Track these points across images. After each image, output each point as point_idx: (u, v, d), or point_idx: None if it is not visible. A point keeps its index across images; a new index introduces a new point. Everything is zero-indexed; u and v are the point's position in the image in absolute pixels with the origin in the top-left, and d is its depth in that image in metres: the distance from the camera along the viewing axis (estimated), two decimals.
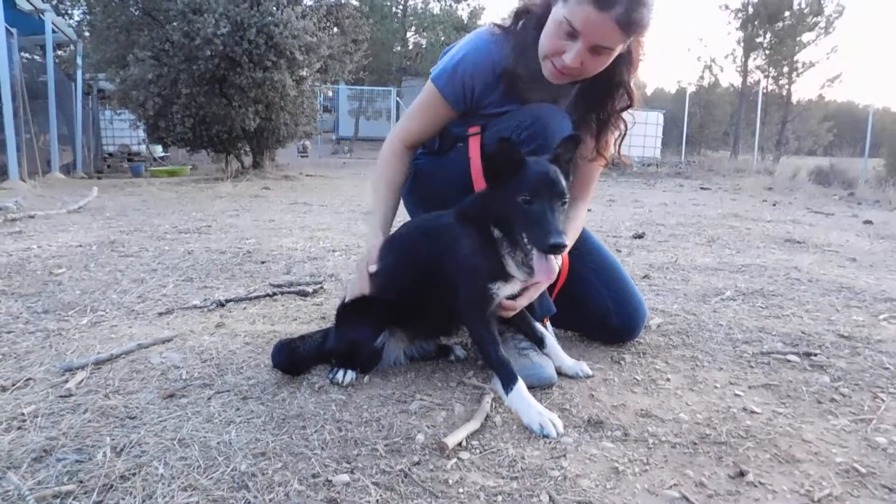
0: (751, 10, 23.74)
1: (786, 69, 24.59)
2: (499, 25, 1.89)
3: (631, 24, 1.61)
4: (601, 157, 1.99)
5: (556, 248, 1.49)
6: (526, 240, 1.56)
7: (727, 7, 23.96)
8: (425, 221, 1.91)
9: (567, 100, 1.95)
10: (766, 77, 24.92)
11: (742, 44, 24.51)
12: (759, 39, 24.26)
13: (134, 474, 1.28)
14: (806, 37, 23.70)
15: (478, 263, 1.67)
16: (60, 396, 1.64)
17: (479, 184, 1.81)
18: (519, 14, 1.87)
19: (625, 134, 2.00)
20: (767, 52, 24.42)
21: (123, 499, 1.20)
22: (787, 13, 23.40)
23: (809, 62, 24.13)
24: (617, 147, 2.01)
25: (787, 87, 25.00)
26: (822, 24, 23.32)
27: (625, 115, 1.94)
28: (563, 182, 1.58)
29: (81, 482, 1.25)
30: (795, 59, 24.20)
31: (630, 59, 1.83)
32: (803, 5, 23.18)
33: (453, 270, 1.71)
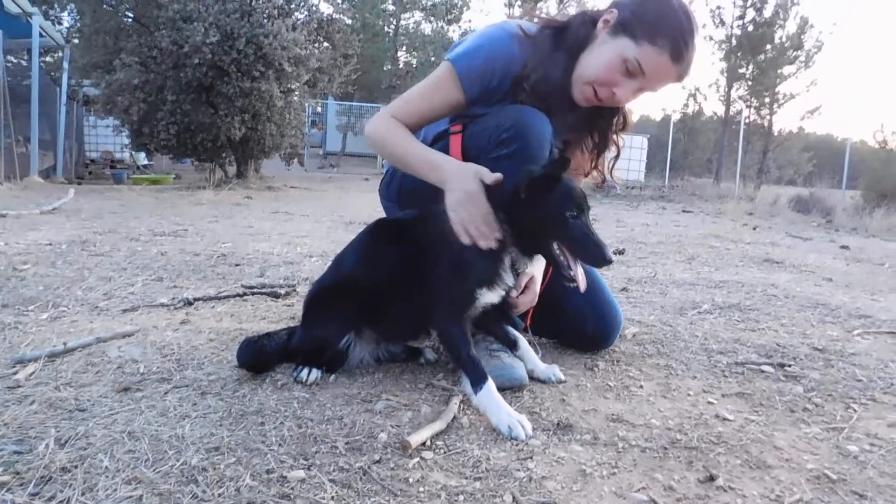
0: (734, 42, 24.21)
1: (767, 100, 25.07)
2: (522, 28, 1.82)
3: (684, 75, 1.74)
4: (598, 173, 2.05)
5: (610, 262, 1.57)
6: (569, 252, 1.60)
7: (711, 38, 24.41)
8: (426, 211, 1.81)
9: (567, 118, 1.89)
10: (749, 107, 25.38)
11: (725, 74, 24.91)
12: (741, 70, 24.68)
13: (76, 466, 1.21)
14: (787, 69, 24.19)
15: (471, 264, 1.63)
16: (7, 388, 1.57)
17: None
18: (550, 24, 1.83)
19: (618, 155, 2.05)
20: (750, 83, 24.87)
21: (61, 491, 1.14)
22: (768, 46, 23.88)
23: (790, 94, 24.60)
24: (610, 167, 2.06)
25: (768, 117, 25.48)
26: (803, 58, 23.86)
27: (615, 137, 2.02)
28: None
29: (18, 473, 1.18)
30: (777, 90, 24.70)
31: None
32: (784, 39, 23.71)
33: (443, 266, 1.66)
